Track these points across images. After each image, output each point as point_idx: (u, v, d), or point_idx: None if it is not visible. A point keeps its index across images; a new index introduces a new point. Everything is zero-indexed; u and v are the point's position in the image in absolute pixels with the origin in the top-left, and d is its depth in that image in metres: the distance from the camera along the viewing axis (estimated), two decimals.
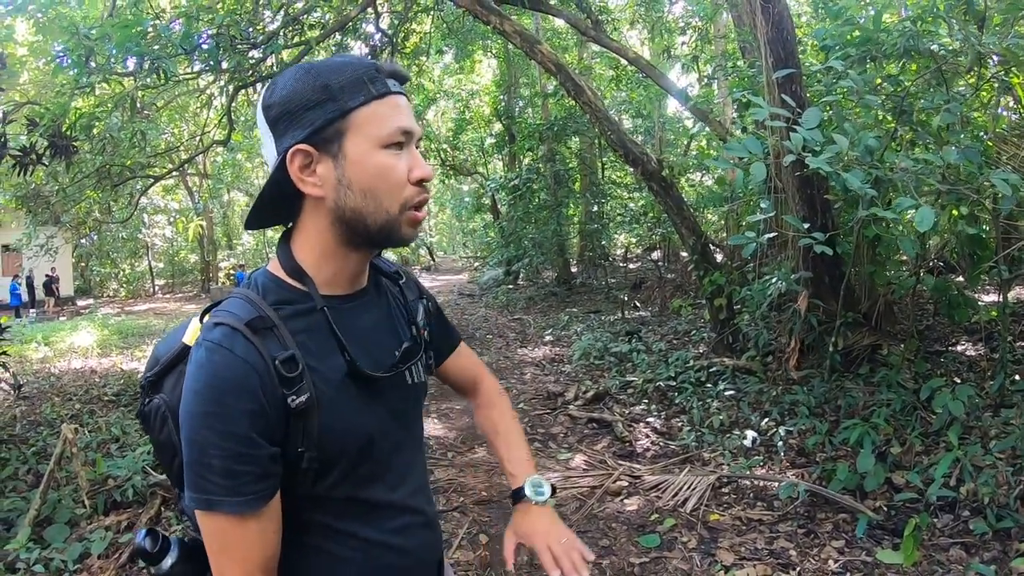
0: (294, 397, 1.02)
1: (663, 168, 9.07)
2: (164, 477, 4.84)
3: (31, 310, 23.24)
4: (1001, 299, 5.38)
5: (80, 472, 4.68)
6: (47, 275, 24.09)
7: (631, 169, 10.26)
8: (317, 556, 1.15)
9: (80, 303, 27.89)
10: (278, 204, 1.12)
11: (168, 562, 1.16)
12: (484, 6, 9.66)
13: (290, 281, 1.13)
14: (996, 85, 4.94)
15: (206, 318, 1.08)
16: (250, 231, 23.55)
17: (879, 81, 4.85)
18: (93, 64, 6.96)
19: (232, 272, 33.23)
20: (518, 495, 1.44)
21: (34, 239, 14.42)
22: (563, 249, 19.84)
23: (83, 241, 29.82)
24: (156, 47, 7.38)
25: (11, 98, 10.36)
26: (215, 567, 1.05)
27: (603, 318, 12.85)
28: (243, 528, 1.02)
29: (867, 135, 3.58)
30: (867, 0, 5.99)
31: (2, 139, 5.23)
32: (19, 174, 6.02)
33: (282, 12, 11.06)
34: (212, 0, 9.58)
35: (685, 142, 17.58)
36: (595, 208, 18.52)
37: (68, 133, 6.94)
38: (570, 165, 19.66)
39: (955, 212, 4.95)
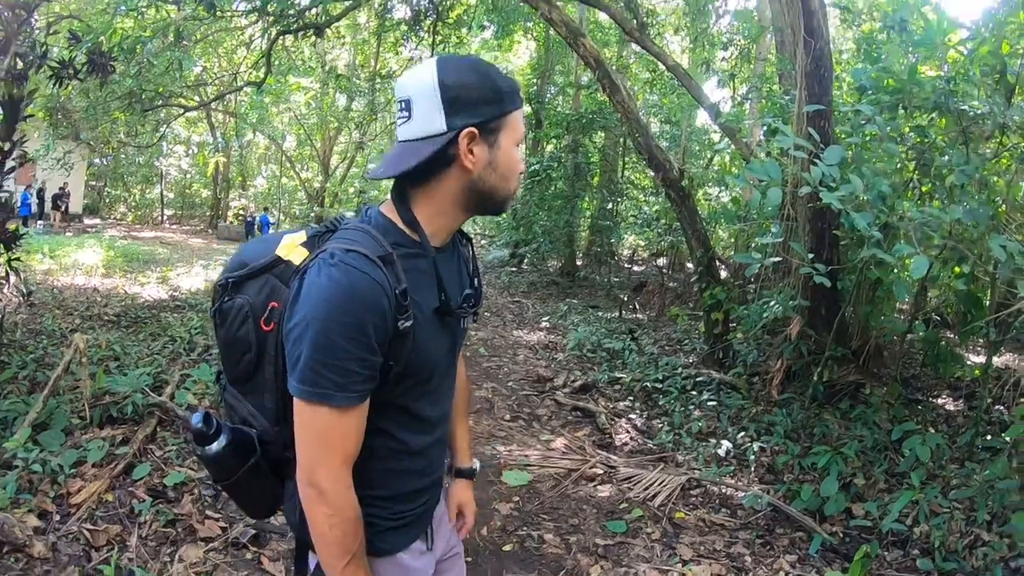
0: (403, 322, 1.27)
1: (683, 178, 9.25)
2: (163, 399, 5.05)
3: (39, 222, 23.38)
4: (987, 360, 5.59)
5: (86, 382, 4.86)
6: (59, 189, 24.28)
7: (651, 173, 10.41)
8: (376, 456, 1.40)
9: (87, 221, 28.02)
10: (427, 165, 1.32)
11: (217, 446, 1.38)
12: None
13: (404, 228, 1.37)
14: (1016, 154, 5.10)
15: (333, 244, 1.28)
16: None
17: (907, 129, 5.02)
18: None
19: (240, 212, 33.31)
20: (461, 472, 1.89)
21: (51, 151, 14.54)
22: (572, 241, 20.00)
23: (98, 161, 29.93)
24: None
25: (52, 9, 10.42)
26: (309, 456, 1.28)
27: (601, 314, 13.06)
28: (344, 421, 1.26)
29: (882, 181, 3.76)
30: (910, 48, 6.11)
31: (43, 50, 5.36)
32: (55, 86, 6.15)
33: None
34: None
35: (708, 155, 17.70)
36: (609, 206, 18.67)
37: (108, 52, 7.07)
38: (592, 159, 19.77)
39: (957, 269, 5.14)
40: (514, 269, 20.94)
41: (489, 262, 23.22)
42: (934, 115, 5.08)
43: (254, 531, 3.72)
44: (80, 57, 6.19)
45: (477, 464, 1.94)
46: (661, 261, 17.45)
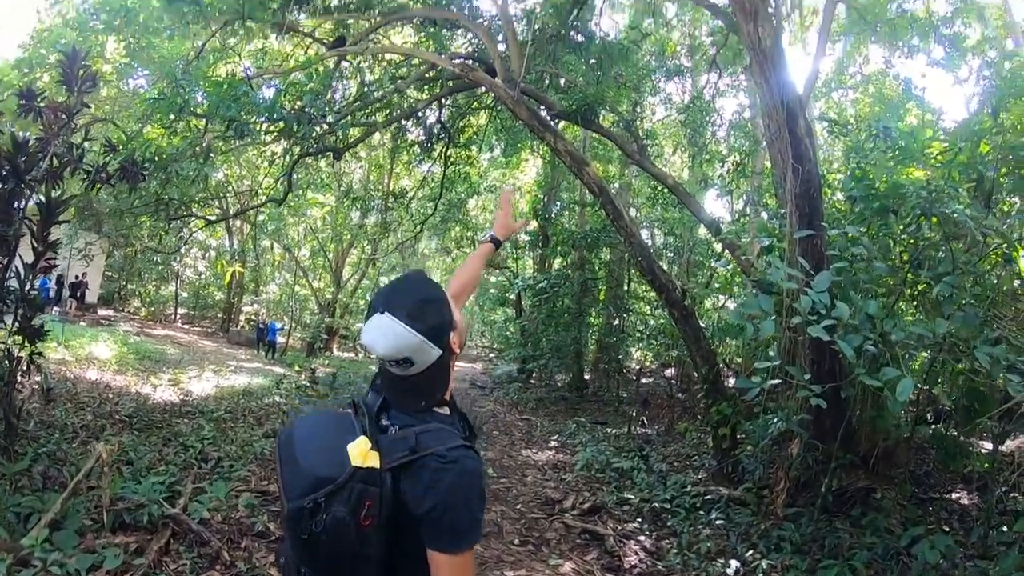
0: None
1: (686, 297, 9.44)
2: (177, 511, 5.04)
3: (55, 308, 23.66)
4: (994, 450, 5.55)
5: (106, 490, 4.88)
6: (76, 277, 24.66)
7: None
8: None
9: (101, 312, 28.21)
10: (431, 371, 1.73)
11: None
12: (541, 122, 10.32)
13: (443, 412, 1.82)
14: (999, 253, 5.25)
15: (450, 442, 1.67)
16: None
17: (899, 228, 5.21)
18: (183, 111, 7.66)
19: (253, 318, 33.62)
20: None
21: (74, 241, 14.90)
22: (579, 356, 20.05)
23: (117, 253, 30.64)
24: (243, 113, 8.10)
25: (91, 113, 11.06)
26: None
27: (610, 431, 12.95)
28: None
29: (869, 303, 3.90)
30: (895, 157, 6.39)
31: (80, 153, 5.71)
32: (86, 190, 6.48)
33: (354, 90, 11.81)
34: (297, 77, 10.40)
35: (712, 263, 18.01)
36: (616, 321, 18.84)
37: (140, 161, 7.46)
38: (598, 275, 20.09)
39: (958, 367, 5.20)
40: (522, 384, 20.90)
41: (498, 377, 23.20)
42: (920, 219, 5.27)
43: None
44: (113, 163, 6.54)
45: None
46: (669, 372, 17.42)
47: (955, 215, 4.72)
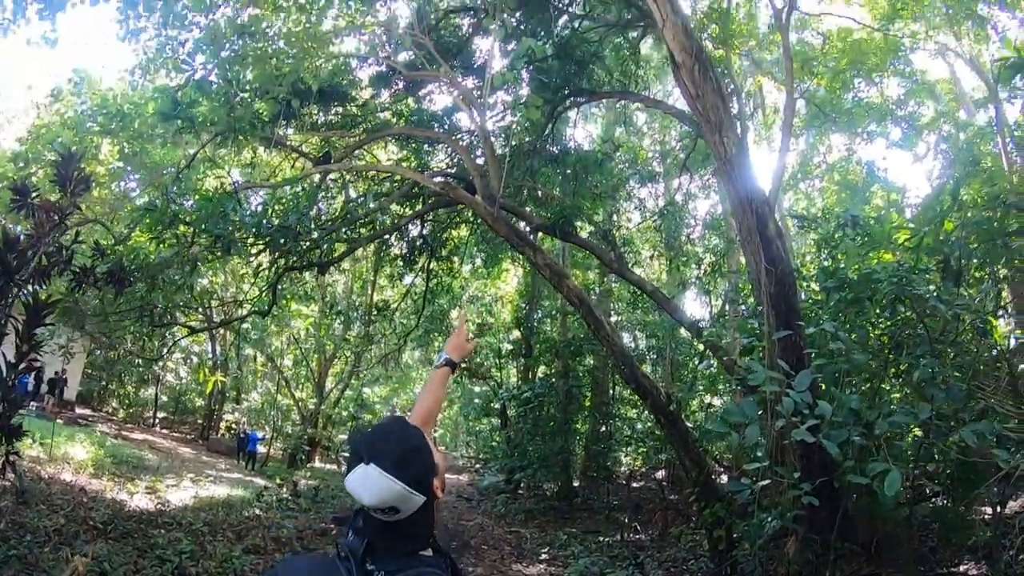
0: None
1: (671, 402, 9.50)
2: None
3: (32, 402, 23.05)
4: (995, 518, 5.52)
5: None
6: (56, 373, 24.12)
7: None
8: None
9: (78, 411, 27.44)
10: (415, 516, 1.78)
11: None
12: (520, 237, 10.66)
13: (428, 555, 1.84)
14: (973, 328, 5.39)
15: None
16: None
17: (875, 313, 5.36)
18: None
19: (233, 427, 32.95)
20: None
21: (56, 336, 14.72)
22: (567, 465, 19.76)
23: (99, 352, 30.19)
24: (230, 228, 8.38)
25: (82, 213, 11.29)
26: None
27: (602, 539, 12.64)
28: None
29: (852, 398, 4.01)
30: (864, 245, 6.63)
31: (69, 254, 5.80)
32: (72, 291, 6.54)
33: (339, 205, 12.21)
34: (285, 193, 10.78)
35: (695, 363, 18.13)
36: (603, 428, 18.72)
37: (127, 267, 7.56)
38: (583, 382, 20.10)
39: (948, 443, 5.25)
40: (510, 495, 20.49)
41: (484, 488, 22.74)
42: (895, 303, 5.44)
43: None
44: (100, 266, 6.63)
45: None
46: (660, 474, 17.21)
47: (926, 296, 4.91)
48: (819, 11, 19.24)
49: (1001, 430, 3.59)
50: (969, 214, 5.27)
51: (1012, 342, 5.14)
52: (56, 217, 5.63)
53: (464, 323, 2.91)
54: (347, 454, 1.91)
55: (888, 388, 5.60)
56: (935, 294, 4.83)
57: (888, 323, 5.37)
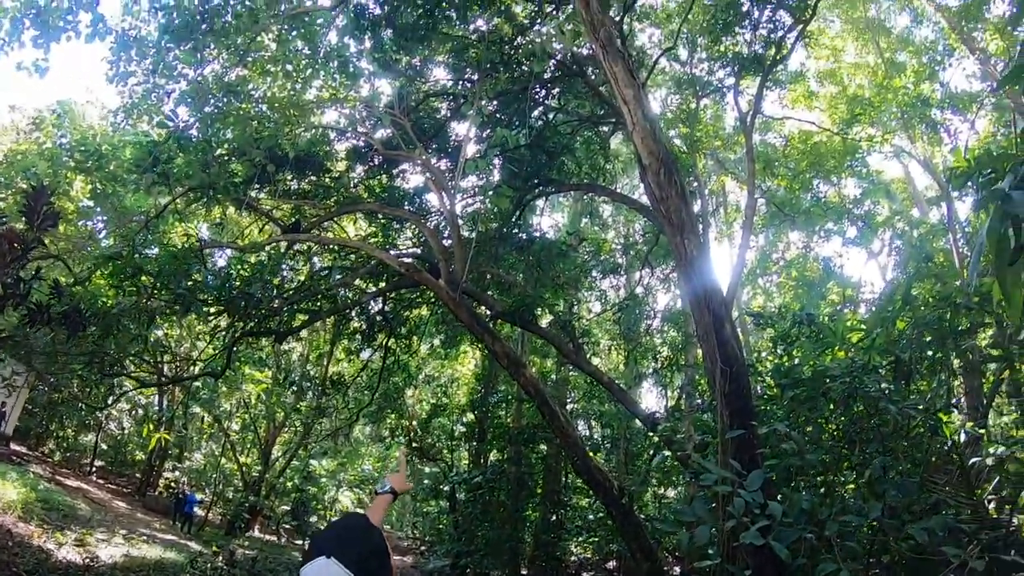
0: None
1: (623, 495, 9.46)
2: None
3: None
4: None
5: None
6: None
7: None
8: None
9: (13, 446, 26.02)
10: None
11: None
12: (480, 324, 10.76)
13: None
14: (924, 425, 5.52)
15: None
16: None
17: (829, 410, 5.49)
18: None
19: (172, 486, 31.56)
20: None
21: (1, 368, 14.13)
22: (516, 553, 19.31)
23: (42, 388, 28.89)
24: (191, 290, 8.38)
25: (45, 248, 11.11)
26: None
27: None
28: None
29: (802, 498, 4.08)
30: (818, 344, 6.80)
31: (26, 289, 5.67)
32: (24, 326, 6.37)
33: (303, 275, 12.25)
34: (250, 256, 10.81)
35: (650, 453, 18.09)
36: (554, 517, 18.44)
37: (82, 311, 7.40)
38: (536, 469, 19.87)
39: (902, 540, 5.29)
40: None
41: (428, 572, 22.06)
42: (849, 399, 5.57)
43: None
44: (56, 307, 6.47)
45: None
46: (611, 565, 16.91)
47: (877, 395, 5.05)
48: (782, 115, 20.37)
49: (954, 523, 3.67)
50: (923, 307, 5.50)
51: (963, 436, 5.27)
52: (19, 248, 5.53)
53: (404, 464, 3.22)
54: (307, 543, 1.92)
55: (842, 481, 5.69)
56: (886, 393, 4.99)
57: (842, 419, 5.50)
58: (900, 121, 19.02)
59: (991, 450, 5.10)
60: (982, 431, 5.44)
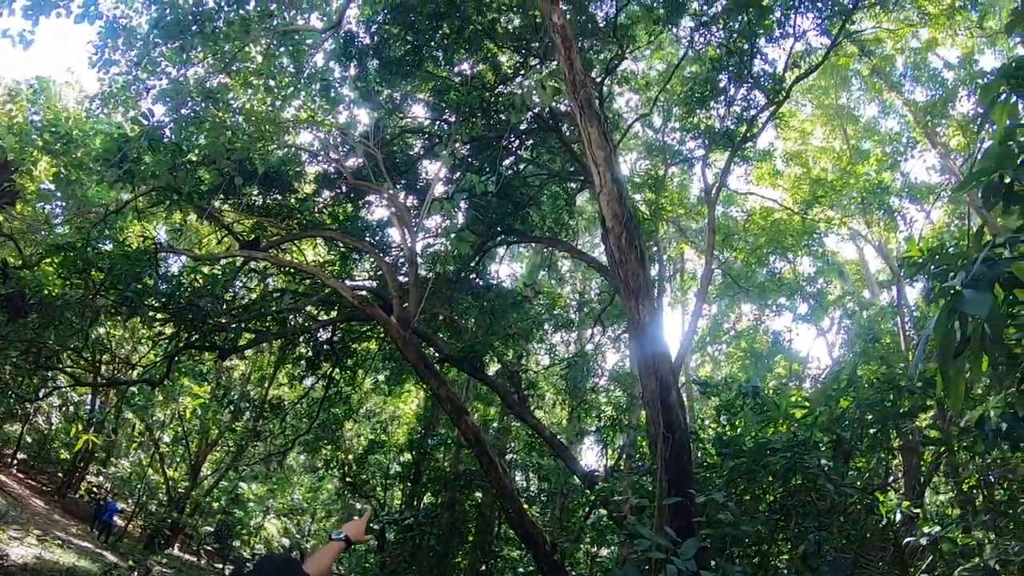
0: None
1: (555, 551, 9.38)
2: None
3: None
4: None
5: None
6: None
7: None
8: None
9: None
10: None
11: None
12: (427, 366, 10.70)
13: None
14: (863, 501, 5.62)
15: None
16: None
17: (768, 481, 5.55)
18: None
19: (94, 491, 30.14)
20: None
21: None
22: None
23: None
24: (140, 293, 8.22)
25: None
26: None
27: None
28: None
29: (735, 568, 4.09)
30: (759, 414, 6.90)
31: None
32: None
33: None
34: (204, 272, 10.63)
35: (586, 511, 17.96)
36: (483, 567, 18.13)
37: (26, 297, 7.20)
38: (469, 516, 19.58)
39: None
40: None
41: None
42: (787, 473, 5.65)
43: None
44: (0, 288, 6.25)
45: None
46: None
47: (816, 472, 5.14)
48: (746, 190, 20.96)
49: None
50: (867, 387, 5.64)
51: (899, 515, 5.36)
52: None
53: (367, 520, 3.21)
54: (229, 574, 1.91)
55: (777, 553, 5.73)
56: (825, 470, 5.07)
57: (780, 491, 5.57)
58: (859, 206, 19.75)
59: (926, 529, 5.22)
60: (918, 510, 5.55)
